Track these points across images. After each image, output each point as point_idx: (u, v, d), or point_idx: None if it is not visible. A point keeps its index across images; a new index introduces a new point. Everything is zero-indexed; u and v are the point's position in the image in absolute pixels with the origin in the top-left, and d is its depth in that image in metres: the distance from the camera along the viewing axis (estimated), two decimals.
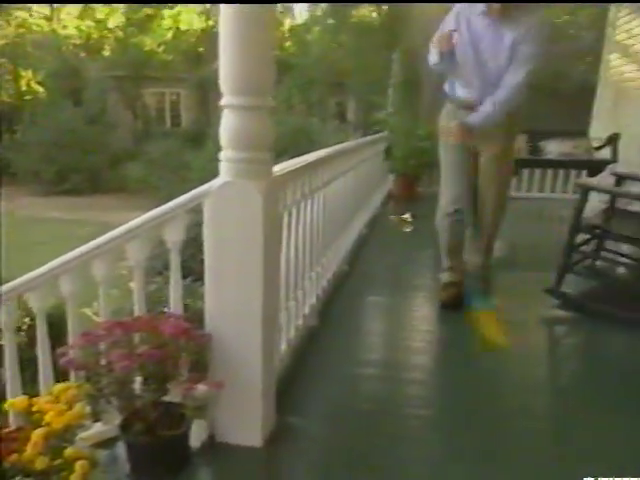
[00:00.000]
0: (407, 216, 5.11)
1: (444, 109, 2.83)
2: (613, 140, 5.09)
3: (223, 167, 1.44)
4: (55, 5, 18.08)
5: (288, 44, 19.12)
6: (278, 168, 1.94)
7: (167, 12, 18.27)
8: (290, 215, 2.04)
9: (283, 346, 2.02)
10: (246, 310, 1.49)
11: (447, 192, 2.79)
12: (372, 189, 5.04)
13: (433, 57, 2.63)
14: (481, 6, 2.50)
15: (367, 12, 6.54)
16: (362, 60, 9.95)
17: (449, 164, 2.79)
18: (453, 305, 2.73)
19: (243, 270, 1.46)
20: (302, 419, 1.82)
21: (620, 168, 3.68)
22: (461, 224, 2.80)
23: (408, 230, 4.73)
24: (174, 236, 1.57)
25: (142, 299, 1.60)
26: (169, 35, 18.39)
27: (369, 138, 5.25)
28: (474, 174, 2.75)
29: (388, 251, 4.05)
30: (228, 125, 1.41)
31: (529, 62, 2.46)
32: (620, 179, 3.05)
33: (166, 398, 1.49)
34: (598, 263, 3.06)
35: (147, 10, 17.98)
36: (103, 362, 1.44)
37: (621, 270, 3.09)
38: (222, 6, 1.36)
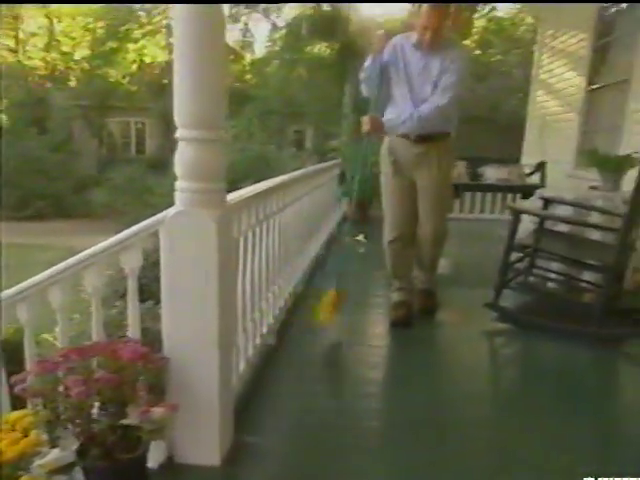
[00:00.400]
0: (360, 237, 5.17)
1: (385, 138, 2.85)
2: (541, 167, 5.32)
3: (178, 197, 1.42)
4: (21, 35, 17.65)
5: (249, 76, 19.25)
6: (236, 195, 1.94)
7: (131, 46, 18.13)
8: (246, 240, 2.03)
9: (241, 365, 1.98)
10: (203, 333, 1.46)
11: (388, 220, 2.83)
12: (328, 212, 5.08)
13: (366, 63, 2.70)
14: (413, 39, 2.61)
15: (322, 48, 6.67)
16: (317, 92, 10.11)
17: (389, 193, 2.82)
18: (403, 324, 2.74)
19: (199, 294, 1.43)
20: (260, 436, 1.78)
21: (547, 192, 3.82)
22: (404, 250, 2.83)
23: (362, 250, 4.78)
24: (131, 263, 1.54)
25: (100, 325, 1.55)
26: (134, 67, 18.22)
27: (324, 164, 5.31)
28: (413, 201, 2.77)
29: (344, 271, 4.06)
30: (183, 157, 1.40)
31: (452, 89, 2.56)
32: (547, 202, 3.18)
33: (125, 421, 1.44)
34: (531, 279, 3.16)
35: (112, 44, 17.78)
36: (60, 389, 1.38)
37: (551, 285, 3.20)
38: (175, 43, 1.36)
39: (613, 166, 3.40)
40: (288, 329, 2.69)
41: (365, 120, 2.63)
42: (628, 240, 2.60)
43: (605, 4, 4.86)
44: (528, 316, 2.88)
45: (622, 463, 1.72)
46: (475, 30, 11.91)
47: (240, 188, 2.37)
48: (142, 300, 3.00)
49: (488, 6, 12.91)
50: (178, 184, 1.43)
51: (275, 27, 16.63)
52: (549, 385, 2.25)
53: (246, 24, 21.20)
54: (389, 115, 2.74)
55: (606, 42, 4.84)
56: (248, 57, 20.13)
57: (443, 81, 2.56)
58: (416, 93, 2.63)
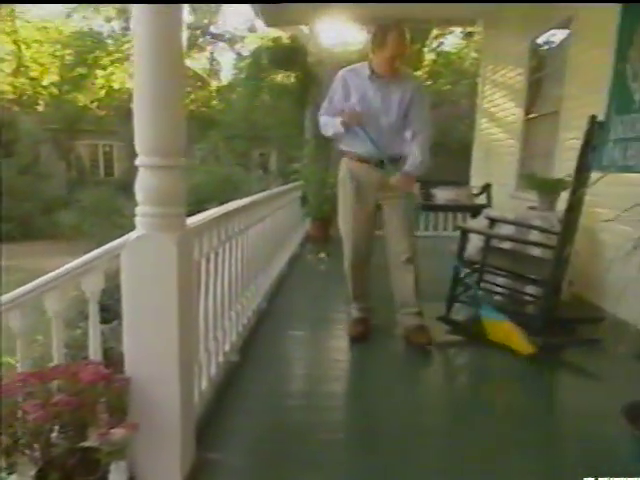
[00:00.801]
0: (322, 255, 5.19)
1: (341, 164, 2.79)
2: (487, 188, 5.50)
3: (139, 221, 1.40)
4: None
5: (215, 102, 19.21)
6: (198, 217, 1.92)
7: (100, 72, 17.84)
8: (208, 260, 2.01)
9: (204, 383, 1.94)
10: (163, 354, 1.43)
11: (350, 244, 2.75)
12: (291, 232, 5.08)
13: (336, 129, 2.60)
14: (366, 70, 2.56)
15: (284, 77, 6.76)
16: (280, 117, 10.16)
17: (350, 217, 2.73)
18: (361, 339, 2.74)
19: (159, 316, 1.40)
20: (223, 453, 1.74)
21: (493, 212, 3.95)
22: (363, 271, 2.80)
23: (323, 267, 4.80)
24: (92, 286, 1.49)
25: (61, 348, 1.49)
26: (102, 93, 17.91)
27: (287, 186, 5.32)
28: (373, 224, 2.75)
29: (306, 288, 4.06)
30: (143, 183, 1.38)
31: (428, 113, 2.61)
32: (492, 222, 3.28)
33: (85, 444, 1.38)
34: (479, 293, 3.24)
35: (81, 70, 17.44)
36: (19, 414, 1.31)
37: (498, 298, 3.28)
38: (135, 72, 1.35)
39: (549, 188, 3.54)
40: (252, 346, 2.65)
41: (401, 184, 2.54)
42: (563, 255, 2.70)
43: (537, 43, 5.11)
44: (477, 328, 2.93)
45: (566, 462, 1.77)
46: (425, 62, 12.30)
47: (207, 209, 2.35)
48: (107, 320, 2.92)
49: (436, 41, 13.41)
50: (139, 209, 1.40)
51: (240, 56, 16.75)
52: (496, 392, 2.30)
53: (212, 53, 21.29)
54: (348, 142, 2.67)
55: (539, 77, 5.09)
56: (214, 84, 20.16)
57: (418, 110, 2.56)
58: (379, 123, 2.57)
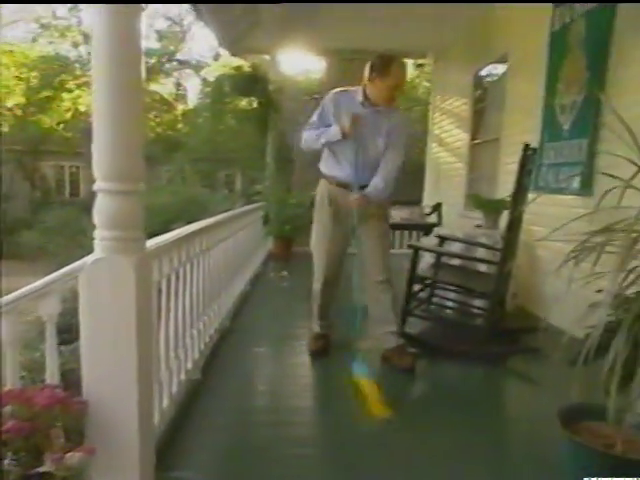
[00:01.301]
0: (284, 273, 5.18)
1: (320, 187, 2.70)
2: (438, 208, 5.65)
3: (97, 245, 1.36)
4: None
5: (180, 125, 19.04)
6: (159, 239, 1.89)
7: (66, 95, 17.38)
8: (169, 281, 1.97)
9: (165, 402, 1.88)
10: (121, 376, 1.37)
11: (323, 266, 2.66)
12: (254, 250, 5.05)
13: (329, 137, 2.49)
14: (359, 96, 2.49)
15: (248, 102, 6.80)
16: (244, 140, 10.17)
17: (326, 240, 2.64)
18: (322, 354, 2.72)
19: (117, 338, 1.36)
20: (186, 472, 1.68)
21: (443, 230, 4.06)
22: (332, 292, 2.74)
23: (285, 285, 4.79)
24: (49, 309, 1.43)
25: (15, 372, 1.42)
26: (68, 115, 17.43)
27: (250, 207, 5.30)
28: (346, 247, 2.68)
29: (268, 305, 4.03)
30: (101, 208, 1.35)
31: (404, 147, 2.55)
32: (442, 239, 3.37)
33: (41, 469, 1.30)
34: (432, 307, 3.31)
35: (46, 93, 16.93)
36: None
37: (449, 312, 3.36)
38: (93, 97, 1.32)
39: (492, 208, 3.68)
40: (214, 363, 2.60)
41: (353, 202, 2.45)
42: (505, 270, 2.80)
43: (480, 75, 5.35)
44: (429, 340, 2.99)
45: (514, 465, 1.82)
46: None
47: (173, 228, 2.31)
48: (69, 341, 2.79)
49: None
50: (97, 233, 1.36)
51: (205, 81, 16.71)
52: (447, 400, 2.32)
53: (178, 79, 21.17)
54: (330, 165, 2.60)
55: (482, 106, 5.32)
56: (180, 108, 20.00)
57: (396, 140, 2.50)
58: (367, 151, 2.50)
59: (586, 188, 2.91)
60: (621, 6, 2.76)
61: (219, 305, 2.99)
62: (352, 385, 2.28)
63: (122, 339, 1.35)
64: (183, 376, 2.13)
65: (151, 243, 1.71)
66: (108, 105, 1.31)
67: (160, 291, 1.88)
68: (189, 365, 2.24)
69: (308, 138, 2.61)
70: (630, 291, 1.51)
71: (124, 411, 1.40)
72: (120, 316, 1.34)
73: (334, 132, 2.48)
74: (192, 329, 2.34)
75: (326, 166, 2.65)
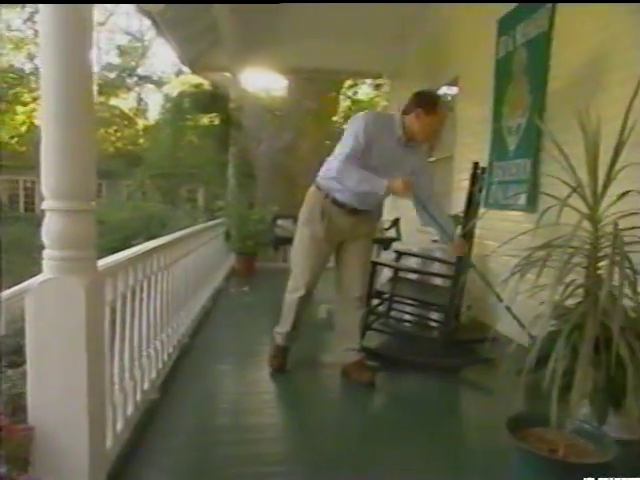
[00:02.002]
0: (246, 288, 5.13)
1: (311, 198, 2.56)
2: (396, 223, 5.76)
3: (46, 265, 1.31)
4: None
5: (141, 140, 18.70)
6: (114, 258, 1.83)
7: (20, 109, 16.76)
8: (124, 300, 1.91)
9: (119, 425, 1.81)
10: (71, 401, 1.32)
11: (304, 278, 2.56)
12: (215, 267, 4.97)
13: (375, 189, 2.31)
14: (397, 128, 2.37)
15: (210, 119, 6.77)
16: (206, 156, 10.08)
17: (312, 254, 2.54)
18: (282, 369, 2.69)
19: (66, 361, 1.31)
20: None
21: (402, 245, 4.14)
22: (307, 304, 2.69)
23: (246, 300, 4.74)
24: None
25: None
26: (23, 129, 16.79)
27: (211, 223, 5.24)
28: (328, 260, 2.63)
29: (229, 321, 3.97)
30: (50, 227, 1.30)
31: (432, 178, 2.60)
32: (399, 254, 3.44)
33: None
34: (390, 321, 3.35)
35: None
36: None
37: (406, 325, 3.41)
38: (42, 114, 1.29)
39: None
40: (173, 381, 2.53)
41: (401, 184, 2.26)
42: (459, 283, 2.88)
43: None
44: (388, 353, 3.02)
45: (468, 473, 1.85)
46: (341, 109, 12.87)
47: (133, 245, 2.24)
48: (20, 363, 2.65)
49: (351, 90, 14.10)
50: (46, 252, 1.32)
51: (167, 97, 16.50)
52: (404, 412, 2.35)
53: (139, 94, 20.84)
54: (331, 185, 2.44)
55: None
56: (141, 123, 19.68)
57: (428, 175, 2.55)
58: (384, 176, 2.33)
59: (531, 205, 3.05)
60: (557, 35, 2.95)
61: (178, 322, 2.92)
62: None
63: (71, 362, 1.30)
64: (139, 397, 2.06)
65: (107, 261, 1.66)
66: (56, 120, 1.27)
67: (114, 310, 1.83)
68: (146, 385, 2.17)
69: (348, 174, 2.32)
70: (570, 302, 1.59)
71: (73, 437, 1.34)
72: (69, 339, 1.29)
73: (380, 186, 2.28)
74: (149, 348, 2.27)
75: (327, 180, 2.46)
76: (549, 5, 2.98)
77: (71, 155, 1.28)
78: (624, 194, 1.47)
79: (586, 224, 1.51)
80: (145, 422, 2.07)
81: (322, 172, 2.53)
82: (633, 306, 1.45)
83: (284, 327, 2.69)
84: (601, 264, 1.50)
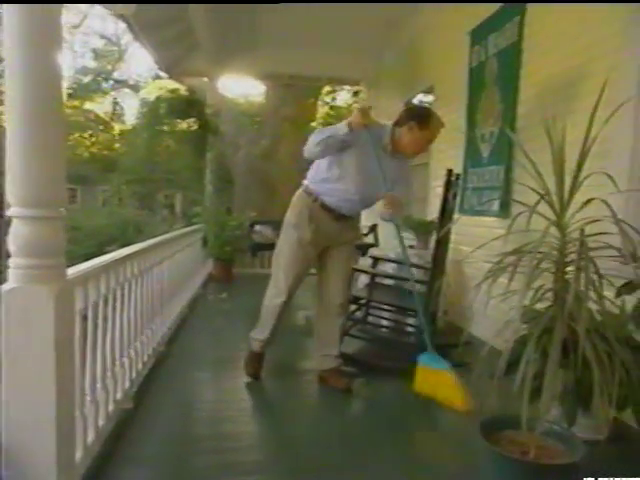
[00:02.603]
0: (224, 295, 5.09)
1: (299, 201, 2.53)
2: (373, 229, 5.80)
3: (12, 274, 1.28)
4: None
5: (117, 145, 18.43)
6: (85, 265, 1.79)
7: None
8: (96, 308, 1.87)
9: (91, 437, 1.76)
10: (38, 412, 1.28)
11: (288, 282, 2.53)
12: (193, 273, 4.91)
13: (334, 131, 2.25)
14: (386, 136, 2.37)
15: (188, 124, 6.72)
16: (183, 161, 9.99)
17: (297, 259, 2.52)
18: (257, 376, 2.66)
19: (33, 372, 1.27)
20: None
21: (379, 251, 4.17)
22: (286, 309, 2.64)
23: (224, 307, 4.69)
24: None
25: None
26: None
27: (188, 229, 5.18)
28: (311, 265, 2.62)
29: (207, 328, 3.92)
30: (18, 234, 1.27)
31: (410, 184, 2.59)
32: (375, 260, 3.47)
33: None
34: (367, 327, 3.36)
35: None
36: None
37: (383, 330, 3.43)
38: (8, 119, 1.25)
39: (422, 229, 3.84)
40: (148, 391, 2.48)
41: (358, 114, 2.21)
42: (434, 288, 2.91)
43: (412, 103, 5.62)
44: (365, 359, 3.03)
45: (444, 476, 1.86)
46: (319, 114, 12.93)
47: (108, 251, 2.19)
48: None
49: (330, 96, 14.18)
50: (12, 261, 1.28)
51: (144, 101, 16.30)
52: (381, 417, 2.35)
53: (115, 98, 20.54)
54: (322, 188, 2.42)
55: None
56: (117, 127, 19.39)
57: (406, 176, 2.50)
58: (366, 182, 2.38)
59: (504, 211, 3.12)
60: (527, 46, 3.04)
61: (153, 330, 2.88)
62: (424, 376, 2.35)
63: (39, 373, 1.27)
64: (112, 407, 2.02)
65: (78, 269, 1.63)
66: (22, 124, 1.24)
67: (86, 318, 1.79)
68: (119, 395, 2.12)
69: (311, 142, 2.31)
70: (541, 305, 1.63)
71: (40, 450, 1.31)
72: (36, 349, 1.26)
73: (341, 126, 2.24)
74: (123, 357, 2.23)
75: (316, 184, 2.46)
76: (518, 17, 3.07)
77: (38, 161, 1.25)
78: (589, 201, 1.52)
79: (554, 230, 1.55)
80: (118, 433, 2.02)
81: (310, 176, 2.51)
82: (599, 309, 1.49)
83: (263, 333, 2.66)
84: (568, 269, 1.54)
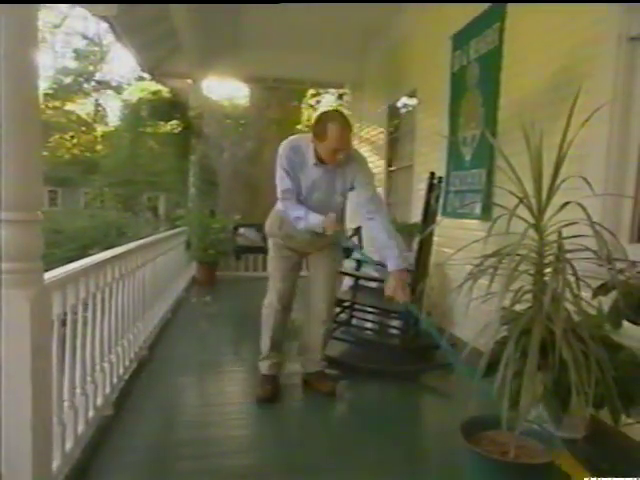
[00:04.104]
0: (207, 298, 5.05)
1: (273, 212, 2.56)
2: (358, 231, 5.82)
3: None
4: None
5: (99, 147, 18.20)
6: (67, 268, 1.76)
7: None
8: (75, 313, 1.84)
9: (69, 444, 1.73)
10: (12, 419, 1.26)
11: (279, 291, 2.53)
12: (175, 276, 4.87)
13: (313, 227, 2.30)
14: (311, 155, 2.31)
15: (172, 126, 6.67)
16: (167, 163, 9.92)
17: (282, 267, 2.53)
18: (270, 400, 2.47)
19: (8, 377, 1.24)
20: None
21: (357, 254, 4.16)
22: (286, 317, 2.60)
23: (208, 310, 4.66)
24: None
25: None
26: None
27: (171, 232, 5.13)
28: (298, 272, 2.59)
29: (190, 332, 3.89)
30: None
31: (376, 190, 2.42)
32: (359, 263, 3.48)
33: None
34: (351, 329, 3.37)
35: None
36: None
37: (367, 332, 3.43)
38: None
39: (406, 231, 3.87)
40: (129, 396, 2.45)
41: (330, 224, 2.26)
42: (417, 290, 2.93)
43: (395, 107, 5.67)
44: (349, 361, 3.03)
45: (427, 476, 1.88)
46: (304, 117, 12.95)
47: (90, 254, 2.15)
48: None
49: (314, 99, 14.21)
50: None
51: (126, 103, 16.15)
52: (365, 419, 2.37)
53: (97, 99, 20.28)
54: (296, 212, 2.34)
55: (397, 135, 5.63)
56: (100, 129, 19.15)
57: (370, 195, 2.33)
58: (319, 202, 2.37)
59: (485, 213, 3.17)
60: (508, 51, 3.09)
61: (135, 334, 2.84)
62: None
63: (14, 379, 1.24)
64: (92, 413, 1.99)
65: (55, 273, 1.60)
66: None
67: (64, 323, 1.76)
68: (99, 401, 2.09)
69: (291, 215, 2.36)
70: (521, 307, 1.66)
71: (15, 458, 1.28)
72: (12, 355, 1.24)
73: (317, 224, 2.29)
74: (103, 362, 2.20)
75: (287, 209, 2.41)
76: (498, 23, 3.12)
77: (13, 163, 1.23)
78: (565, 204, 1.55)
79: (532, 233, 1.57)
80: (98, 440, 2.00)
81: (278, 193, 2.45)
82: (575, 310, 1.52)
83: (264, 347, 2.60)
84: (547, 271, 1.57)
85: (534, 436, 1.58)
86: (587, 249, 1.52)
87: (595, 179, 1.92)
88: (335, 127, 2.20)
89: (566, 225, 1.52)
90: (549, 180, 1.59)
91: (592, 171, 2.21)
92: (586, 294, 1.66)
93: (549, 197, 1.57)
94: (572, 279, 1.50)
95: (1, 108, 1.21)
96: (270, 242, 2.60)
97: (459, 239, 2.93)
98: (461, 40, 3.64)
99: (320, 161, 2.32)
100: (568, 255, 1.50)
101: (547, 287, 1.45)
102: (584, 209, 1.47)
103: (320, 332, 2.59)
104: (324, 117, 2.28)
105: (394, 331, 3.34)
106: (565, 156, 1.56)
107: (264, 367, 2.60)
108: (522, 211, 1.60)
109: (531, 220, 1.59)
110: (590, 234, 1.46)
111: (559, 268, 1.47)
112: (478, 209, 3.29)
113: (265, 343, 2.58)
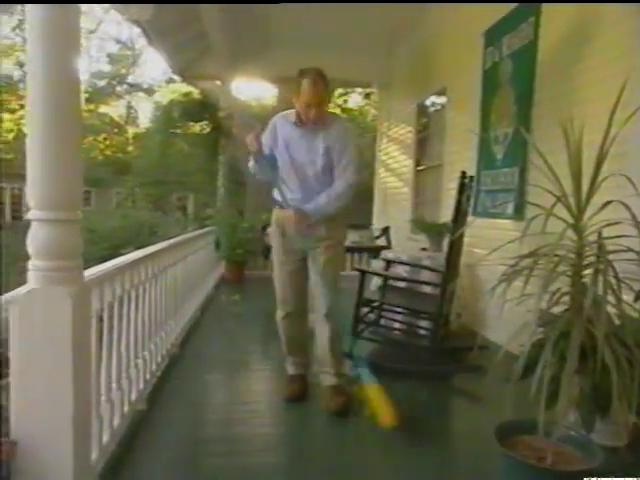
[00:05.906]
0: (236, 297, 5.11)
1: (273, 214, 2.54)
2: (386, 231, 5.78)
3: (32, 275, 1.30)
4: None
5: (131, 148, 18.66)
6: (100, 267, 1.81)
7: (8, 116, 16.62)
8: (112, 310, 1.89)
9: (105, 438, 1.78)
10: (55, 414, 1.30)
11: (279, 296, 2.51)
12: (205, 275, 4.94)
13: (250, 164, 2.43)
14: (292, 117, 2.33)
15: (201, 127, 6.78)
16: (196, 164, 10.07)
17: (278, 269, 2.50)
18: (297, 399, 2.45)
19: (52, 373, 1.29)
20: None
21: (391, 253, 4.14)
22: (297, 325, 2.52)
23: (236, 309, 4.72)
24: None
25: None
26: (10, 136, 16.64)
27: (201, 231, 5.21)
28: (304, 276, 2.48)
29: (219, 330, 3.94)
30: (37, 237, 1.29)
31: (353, 159, 2.32)
32: (388, 263, 3.45)
33: None
34: (380, 329, 3.35)
35: None
36: None
37: (396, 333, 3.40)
38: (28, 124, 1.28)
39: (435, 231, 3.82)
40: (161, 392, 2.50)
41: (290, 218, 2.31)
42: (448, 291, 2.89)
43: (424, 105, 5.60)
44: (378, 361, 3.00)
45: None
46: None
47: (123, 253, 2.20)
48: (2, 375, 2.61)
49: (342, 99, 14.20)
50: (31, 263, 1.30)
51: (158, 105, 16.49)
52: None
53: (129, 101, 20.80)
54: (275, 191, 2.42)
55: (426, 134, 5.56)
56: (131, 131, 19.64)
57: (342, 154, 2.30)
58: (306, 173, 2.35)
59: (519, 213, 3.09)
60: (543, 47, 3.00)
61: (167, 332, 2.90)
62: (359, 393, 2.27)
63: (57, 374, 1.29)
64: (127, 408, 2.04)
65: (94, 271, 1.65)
66: (43, 130, 1.27)
67: (102, 320, 1.81)
68: (133, 396, 2.14)
69: (251, 167, 2.49)
70: (557, 309, 1.61)
71: (58, 450, 1.32)
72: (55, 350, 1.28)
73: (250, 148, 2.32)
74: (137, 358, 2.25)
75: (276, 193, 2.45)
76: (533, 18, 3.04)
77: (57, 165, 1.27)
78: (607, 204, 1.50)
79: (571, 233, 1.53)
80: (132, 433, 2.04)
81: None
82: (617, 313, 1.47)
83: (284, 351, 2.59)
84: (585, 272, 1.52)
85: (572, 443, 1.54)
86: (629, 250, 1.46)
87: (638, 177, 1.85)
88: (306, 81, 2.21)
89: (607, 225, 1.47)
90: (588, 178, 1.54)
91: (634, 169, 2.13)
92: (628, 297, 1.60)
93: (589, 196, 1.52)
94: (613, 281, 1.45)
95: (48, 111, 1.25)
96: (272, 243, 2.54)
97: (490, 239, 2.88)
98: (494, 36, 3.56)
99: (300, 122, 2.32)
100: (609, 256, 1.45)
101: (587, 289, 1.40)
102: (628, 208, 1.42)
103: (325, 333, 2.40)
104: (299, 73, 2.26)
105: (423, 332, 3.30)
106: (607, 153, 1.51)
107: (289, 367, 2.60)
108: (559, 210, 1.55)
109: (570, 220, 1.54)
110: (633, 234, 1.40)
111: (600, 269, 1.42)
112: (510, 208, 3.21)
113: (283, 347, 2.58)
